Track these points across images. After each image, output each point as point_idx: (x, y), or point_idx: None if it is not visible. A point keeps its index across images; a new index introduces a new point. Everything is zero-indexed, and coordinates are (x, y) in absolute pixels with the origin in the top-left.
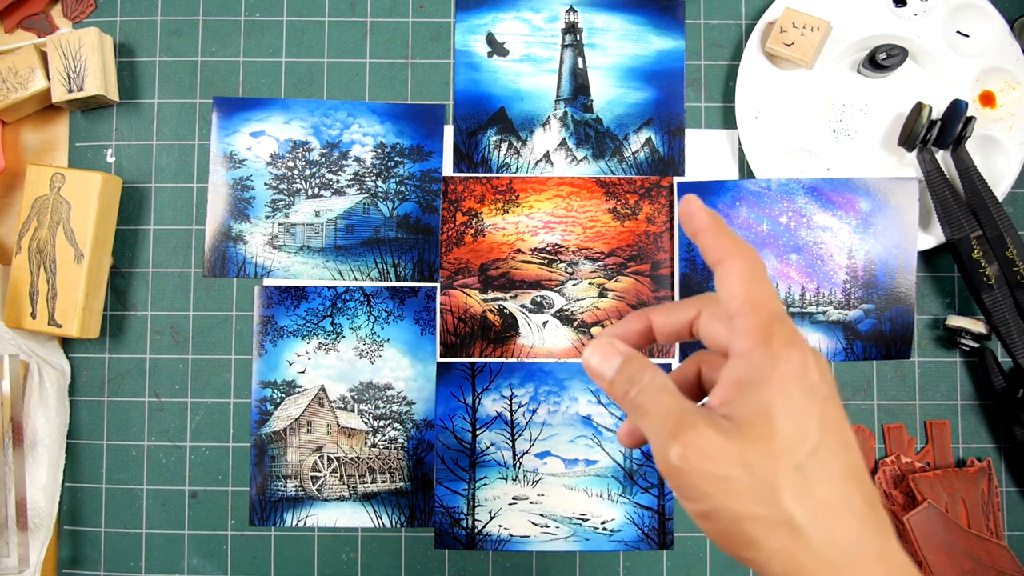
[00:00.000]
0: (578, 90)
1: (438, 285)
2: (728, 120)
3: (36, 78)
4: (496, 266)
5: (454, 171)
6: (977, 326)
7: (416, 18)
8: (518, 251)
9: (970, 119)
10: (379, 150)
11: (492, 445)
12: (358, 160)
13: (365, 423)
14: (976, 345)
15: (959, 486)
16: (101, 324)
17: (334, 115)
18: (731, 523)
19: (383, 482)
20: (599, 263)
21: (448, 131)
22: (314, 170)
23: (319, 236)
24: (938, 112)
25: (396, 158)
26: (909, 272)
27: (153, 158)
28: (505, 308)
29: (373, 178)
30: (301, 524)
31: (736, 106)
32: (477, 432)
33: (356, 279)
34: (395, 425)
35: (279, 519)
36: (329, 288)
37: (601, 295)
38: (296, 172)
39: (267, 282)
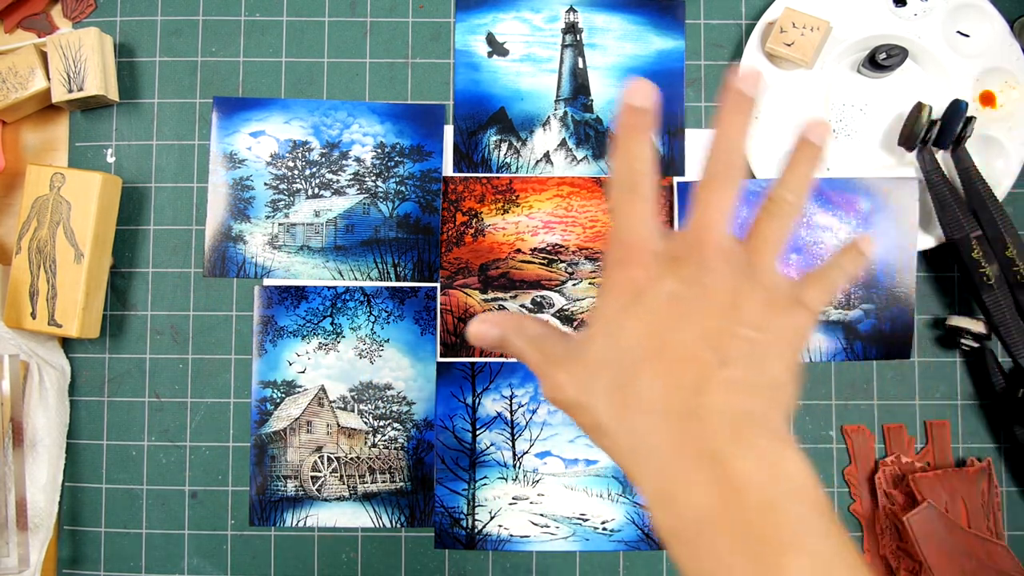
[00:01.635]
0: (578, 90)
1: (438, 285)
2: None
3: (36, 78)
4: (496, 266)
5: (454, 171)
6: (977, 326)
7: (416, 18)
8: (518, 251)
9: (970, 119)
10: (379, 150)
11: (492, 445)
12: (358, 160)
13: (365, 423)
14: (976, 345)
15: (959, 486)
16: (101, 324)
17: (334, 115)
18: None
19: (383, 482)
20: (599, 263)
21: (448, 131)
22: (314, 170)
23: (319, 236)
24: (938, 112)
25: (396, 158)
26: (909, 272)
27: (153, 158)
28: (505, 308)
29: (373, 178)
30: (301, 524)
31: None
32: (477, 432)
33: (356, 279)
34: (395, 425)
35: (279, 519)
36: (329, 288)
37: None
38: (296, 172)
39: (267, 282)
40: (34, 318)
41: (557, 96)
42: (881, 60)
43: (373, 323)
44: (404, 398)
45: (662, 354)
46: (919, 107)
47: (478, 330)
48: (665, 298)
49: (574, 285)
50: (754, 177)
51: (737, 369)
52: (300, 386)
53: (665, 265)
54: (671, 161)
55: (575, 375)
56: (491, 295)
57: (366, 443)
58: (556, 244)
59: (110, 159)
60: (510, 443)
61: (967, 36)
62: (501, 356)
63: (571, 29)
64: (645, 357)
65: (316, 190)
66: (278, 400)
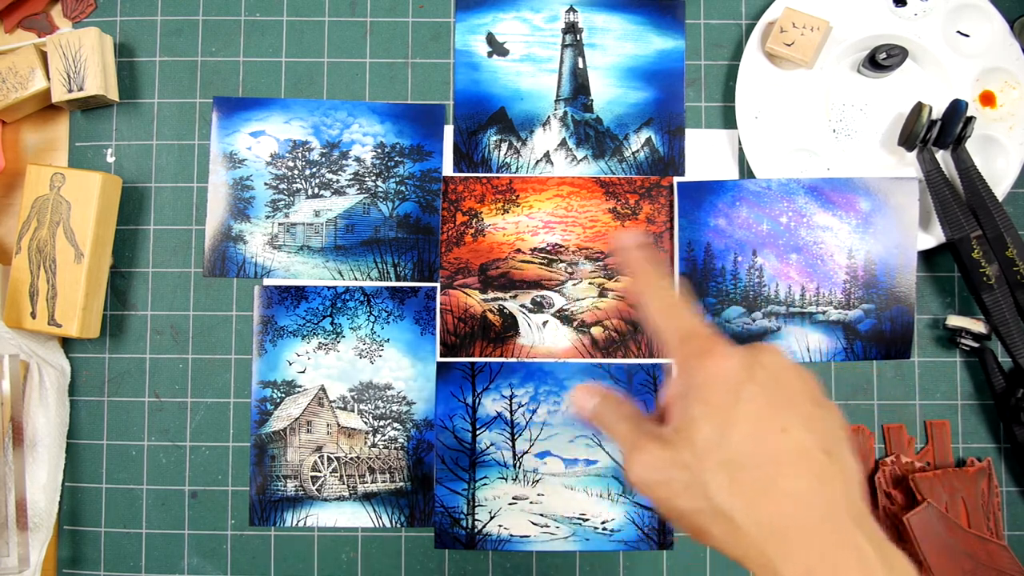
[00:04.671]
0: (578, 90)
1: (438, 285)
2: (728, 120)
3: (36, 78)
4: (496, 266)
5: (454, 171)
6: (977, 326)
7: (416, 18)
8: (518, 251)
9: (970, 119)
10: (379, 150)
11: (492, 445)
12: (358, 160)
13: (365, 423)
14: (976, 345)
15: (959, 486)
16: (101, 324)
17: (334, 115)
18: (687, 519)
19: (383, 482)
20: (599, 263)
21: (448, 131)
22: (314, 170)
23: (319, 236)
24: (938, 112)
25: (396, 158)
26: (909, 272)
27: (153, 158)
28: (505, 308)
29: (373, 178)
30: (301, 524)
31: (736, 106)
32: (477, 432)
33: (356, 279)
34: (395, 425)
35: (279, 519)
36: (329, 288)
37: (601, 295)
38: (296, 172)
39: (267, 282)
40: (34, 318)
41: (557, 96)
42: (881, 60)
43: (373, 323)
44: (404, 398)
45: (785, 448)
46: (919, 107)
47: (576, 397)
48: (761, 393)
49: (574, 285)
50: (754, 177)
51: (838, 459)
52: (300, 386)
53: (745, 356)
54: (671, 161)
55: (677, 453)
56: (491, 295)
57: (366, 443)
58: (556, 244)
59: (110, 159)
60: (510, 443)
61: (967, 36)
62: (501, 356)
63: (571, 29)
64: (774, 452)
65: (316, 190)
66: (278, 400)
